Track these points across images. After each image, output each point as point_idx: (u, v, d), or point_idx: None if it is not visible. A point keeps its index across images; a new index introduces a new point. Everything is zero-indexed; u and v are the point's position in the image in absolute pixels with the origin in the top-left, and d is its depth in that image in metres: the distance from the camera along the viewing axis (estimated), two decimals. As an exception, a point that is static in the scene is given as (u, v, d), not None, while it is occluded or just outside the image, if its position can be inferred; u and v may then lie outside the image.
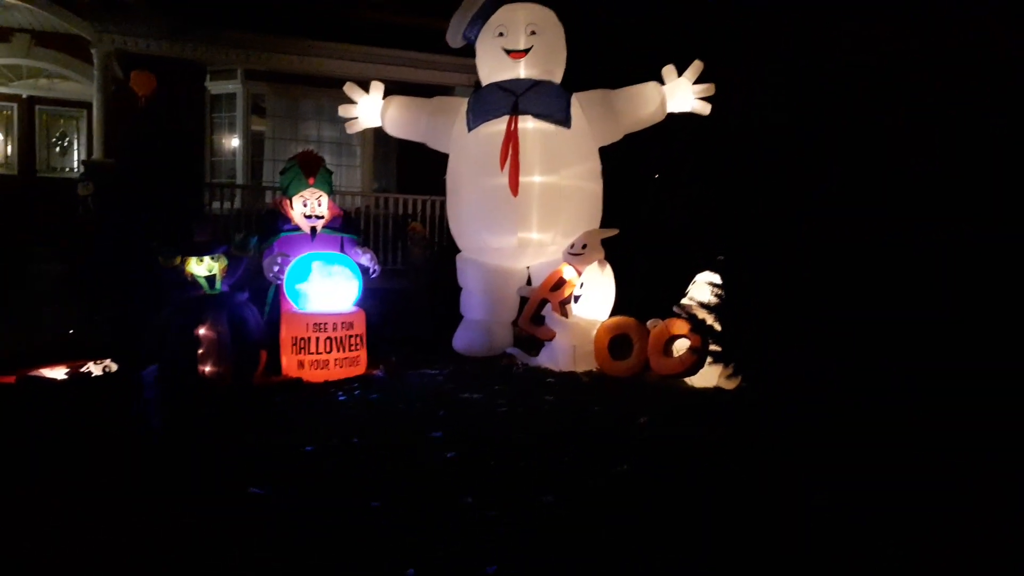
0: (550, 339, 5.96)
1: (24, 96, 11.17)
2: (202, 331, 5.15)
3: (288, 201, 6.09)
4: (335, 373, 5.58)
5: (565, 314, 5.94)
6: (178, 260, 5.29)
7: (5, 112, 11.12)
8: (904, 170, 4.24)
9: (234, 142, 11.07)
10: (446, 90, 10.48)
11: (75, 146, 11.48)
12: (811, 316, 4.25)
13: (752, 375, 4.87)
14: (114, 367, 4.85)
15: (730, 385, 5.11)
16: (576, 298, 5.88)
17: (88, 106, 10.78)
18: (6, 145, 11.13)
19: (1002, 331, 3.91)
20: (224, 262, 5.47)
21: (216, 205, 9.59)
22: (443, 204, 8.11)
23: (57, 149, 11.44)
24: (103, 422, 3.95)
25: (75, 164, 11.29)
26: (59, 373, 4.77)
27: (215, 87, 11.08)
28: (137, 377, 4.13)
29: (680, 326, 5.35)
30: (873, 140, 4.38)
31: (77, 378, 4.55)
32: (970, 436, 3.62)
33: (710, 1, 7.04)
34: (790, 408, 4.20)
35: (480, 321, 6.69)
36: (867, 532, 2.78)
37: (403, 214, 10.12)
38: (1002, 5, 4.52)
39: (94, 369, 4.83)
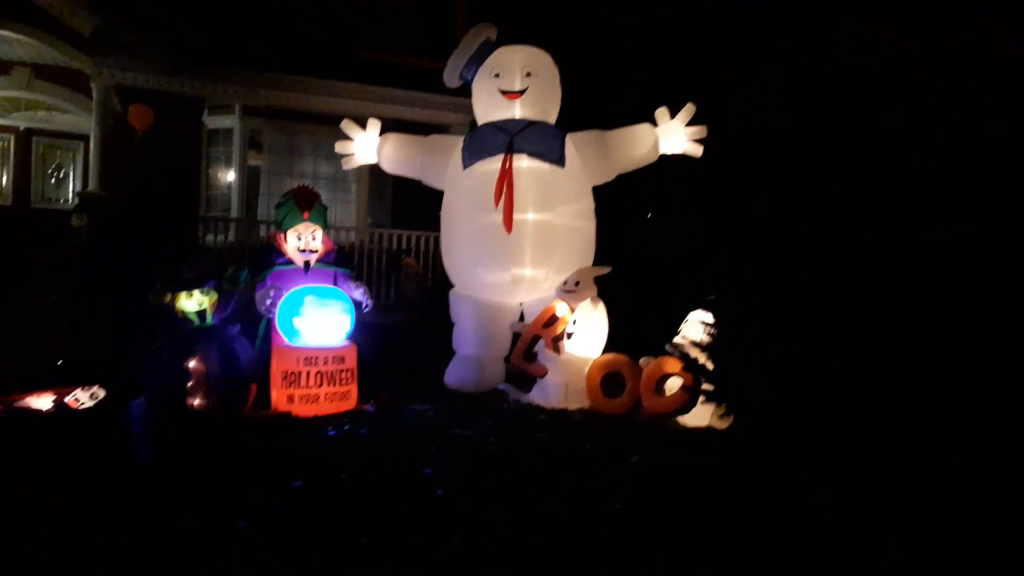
0: (542, 376, 5.95)
1: (22, 128, 11.23)
2: (192, 364, 5.11)
3: (282, 235, 6.10)
4: (325, 408, 5.53)
5: (558, 351, 5.93)
6: (168, 297, 5.27)
7: (1, 143, 11.17)
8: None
9: (230, 176, 11.13)
10: (442, 128, 10.61)
11: (71, 178, 11.52)
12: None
13: (744, 413, 4.86)
14: (102, 394, 4.79)
15: (723, 424, 5.09)
16: (569, 335, 5.88)
17: (85, 138, 10.85)
18: (1, 176, 11.15)
19: (1002, 329, 3.91)
20: (214, 296, 5.45)
21: (210, 238, 9.59)
22: (437, 239, 8.15)
23: (53, 180, 11.48)
24: (89, 453, 3.89)
25: (70, 195, 11.31)
26: (46, 402, 4.70)
27: (212, 122, 11.17)
28: (125, 408, 4.08)
29: (673, 364, 5.35)
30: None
31: (62, 408, 4.48)
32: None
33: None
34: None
35: (472, 356, 6.68)
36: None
37: (397, 249, 10.15)
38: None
39: (82, 396, 4.76)
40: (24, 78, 10.76)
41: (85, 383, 4.69)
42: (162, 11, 10.54)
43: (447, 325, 7.03)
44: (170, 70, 9.81)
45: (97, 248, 8.15)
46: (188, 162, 10.63)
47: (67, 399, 4.62)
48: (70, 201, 11.11)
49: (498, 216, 6.35)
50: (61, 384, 4.77)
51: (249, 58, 10.39)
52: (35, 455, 3.94)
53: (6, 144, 11.19)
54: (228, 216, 10.68)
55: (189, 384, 5.09)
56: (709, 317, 5.34)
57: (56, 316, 7.34)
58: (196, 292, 5.36)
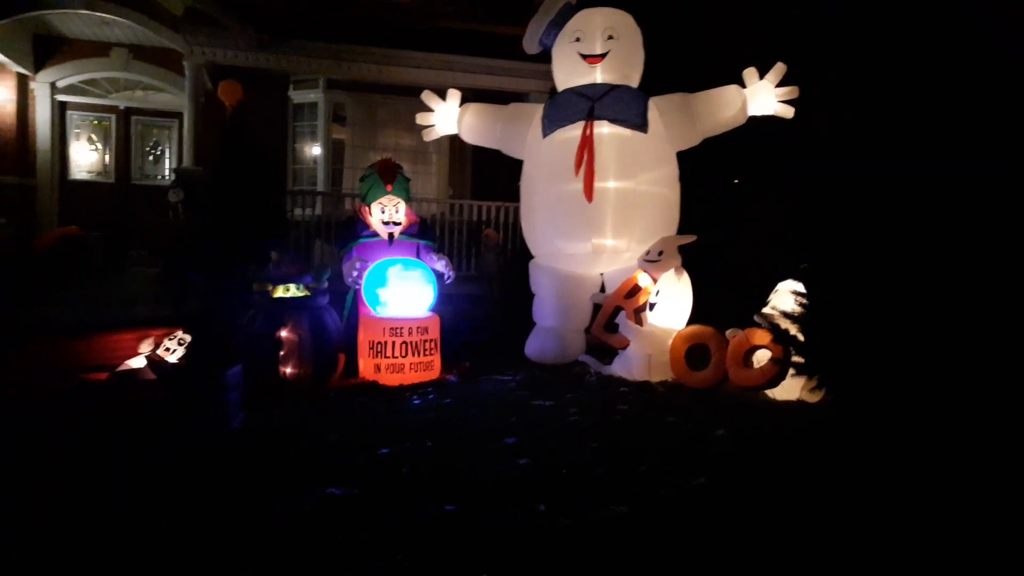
0: (624, 348, 5.87)
1: (121, 107, 11.77)
2: (283, 333, 5.28)
3: (367, 207, 6.20)
4: (410, 377, 5.64)
5: (640, 322, 5.84)
6: (268, 286, 5.45)
7: (104, 123, 11.74)
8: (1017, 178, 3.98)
9: (315, 150, 11.37)
10: (521, 97, 10.53)
11: (167, 155, 12.02)
12: (915, 286, 4.01)
13: (838, 388, 4.67)
14: (187, 338, 5.03)
15: (814, 398, 4.92)
16: (651, 306, 5.78)
17: (179, 116, 11.29)
18: (104, 154, 11.74)
19: None
20: (305, 292, 5.61)
21: (298, 212, 9.86)
22: (516, 210, 8.13)
23: (150, 158, 12.00)
24: (183, 422, 4.08)
25: (166, 172, 11.81)
26: (140, 360, 4.96)
27: (298, 96, 11.42)
28: (219, 377, 4.26)
29: (761, 336, 5.18)
30: (981, 145, 4.12)
31: (158, 368, 4.73)
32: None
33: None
34: (888, 383, 3.98)
35: (552, 328, 6.66)
36: (966, 523, 2.61)
37: (477, 220, 10.18)
38: None
39: (171, 344, 5.01)
40: (123, 59, 11.26)
41: (171, 328, 4.95)
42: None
43: (527, 296, 7.03)
44: (256, 46, 10.06)
45: (192, 222, 8.50)
46: (276, 137, 10.93)
47: (159, 350, 4.88)
48: (166, 177, 11.61)
49: (578, 184, 6.26)
50: (151, 326, 5.05)
51: (331, 31, 10.54)
52: (137, 419, 4.18)
53: (108, 124, 11.76)
54: (314, 190, 10.95)
55: (281, 353, 5.27)
56: (800, 287, 5.14)
57: (157, 286, 7.73)
58: (292, 286, 5.51)
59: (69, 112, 11.50)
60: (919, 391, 4.12)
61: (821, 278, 4.78)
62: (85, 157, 11.63)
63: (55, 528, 2.78)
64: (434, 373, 5.83)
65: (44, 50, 11.00)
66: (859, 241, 4.39)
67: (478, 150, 9.13)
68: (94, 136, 11.68)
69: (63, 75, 11.18)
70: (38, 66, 11.01)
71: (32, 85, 11.09)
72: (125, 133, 11.83)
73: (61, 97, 11.34)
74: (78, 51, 11.14)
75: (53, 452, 3.62)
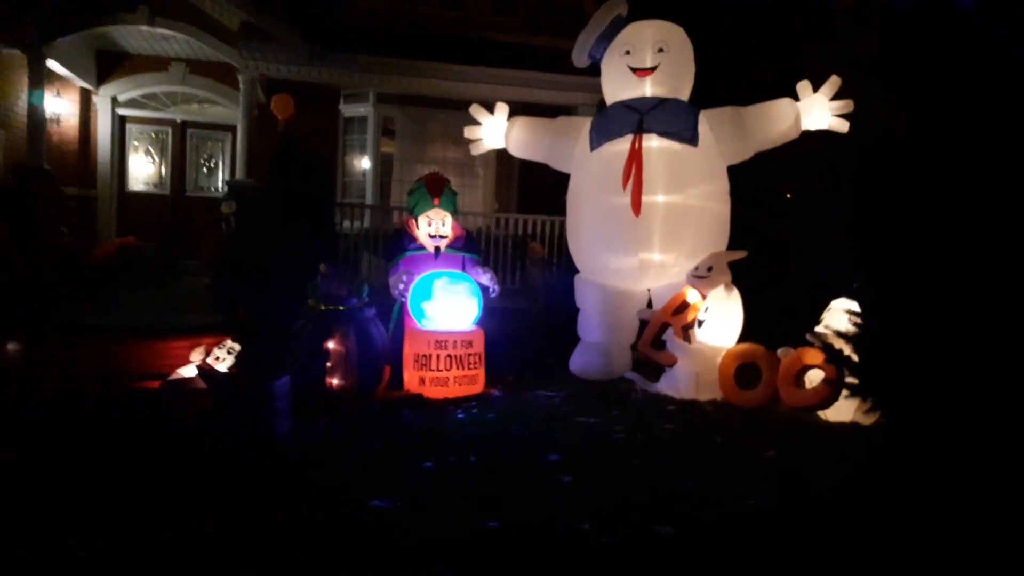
0: (671, 365, 5.77)
1: (178, 120, 12.10)
2: (331, 345, 5.33)
3: (414, 220, 6.24)
4: (454, 391, 5.63)
5: (688, 339, 5.74)
6: (320, 306, 5.52)
7: (161, 136, 12.08)
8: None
9: (365, 163, 11.51)
10: (570, 110, 10.51)
11: (220, 167, 12.30)
12: (975, 306, 3.85)
13: (892, 410, 4.51)
14: (237, 347, 5.11)
15: (868, 421, 4.76)
16: (700, 323, 5.68)
17: (233, 129, 11.55)
18: (161, 166, 12.07)
19: None
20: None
21: (347, 224, 9.97)
22: (562, 224, 8.09)
23: (204, 170, 12.29)
24: (232, 430, 4.13)
25: (220, 184, 12.09)
26: (191, 369, 5.05)
27: (348, 110, 11.59)
28: (268, 387, 4.31)
29: (813, 356, 5.04)
30: None
31: (208, 376, 4.80)
32: None
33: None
34: (946, 407, 3.83)
35: (598, 344, 6.59)
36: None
37: (523, 234, 10.17)
38: None
39: (220, 353, 5.09)
40: (180, 73, 11.59)
41: (222, 336, 5.03)
42: (301, 3, 11.03)
43: (572, 311, 6.97)
44: (309, 59, 10.24)
45: (245, 233, 8.67)
46: (326, 149, 11.10)
47: (209, 359, 4.96)
48: (220, 189, 11.87)
49: (626, 198, 6.21)
50: (203, 334, 5.15)
51: (381, 44, 10.68)
52: (187, 426, 4.25)
53: (164, 137, 12.09)
54: (363, 202, 11.07)
55: (328, 364, 5.31)
56: (854, 305, 4.98)
57: (209, 296, 7.88)
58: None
59: (128, 125, 11.86)
60: (980, 416, 3.95)
61: (877, 296, 4.63)
62: (143, 169, 11.97)
63: (104, 528, 2.82)
64: (478, 387, 5.82)
65: (106, 65, 11.39)
66: (919, 257, 4.25)
67: (524, 164, 9.12)
68: (151, 149, 12.03)
69: (124, 89, 11.55)
70: (100, 81, 11.40)
71: (94, 99, 11.47)
72: (181, 146, 12.14)
73: (121, 111, 11.71)
74: (138, 66, 11.50)
75: (105, 454, 3.70)
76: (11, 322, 4.89)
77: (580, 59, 6.91)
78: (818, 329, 5.19)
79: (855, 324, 4.83)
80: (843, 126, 6.20)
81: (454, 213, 6.32)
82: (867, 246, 4.88)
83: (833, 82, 6.20)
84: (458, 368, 5.69)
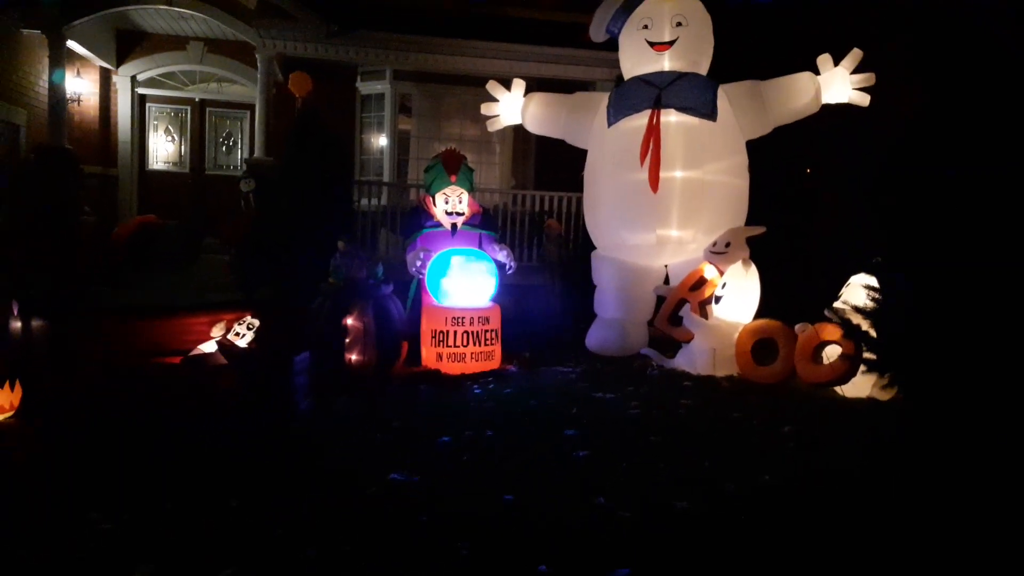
0: (688, 341, 5.78)
1: (197, 99, 12.15)
2: (349, 321, 5.38)
3: (431, 198, 6.25)
4: (471, 366, 5.67)
5: (705, 315, 5.73)
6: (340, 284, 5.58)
7: (180, 115, 12.14)
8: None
9: (382, 141, 11.51)
10: (587, 86, 10.42)
11: (239, 145, 12.36)
12: (992, 282, 3.82)
13: (911, 386, 4.49)
14: (256, 322, 5.18)
15: (885, 396, 4.75)
16: (717, 299, 5.66)
17: (251, 107, 11.58)
18: (180, 145, 12.15)
19: None
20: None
21: (364, 202, 10.00)
22: (579, 201, 8.07)
23: (223, 148, 12.36)
24: (253, 406, 4.20)
25: (238, 162, 12.15)
26: (211, 345, 5.13)
27: (365, 87, 11.58)
28: (288, 362, 4.37)
29: (831, 331, 5.02)
30: None
31: (228, 352, 4.87)
32: None
33: None
34: (963, 381, 3.82)
35: (614, 320, 6.59)
36: None
37: (539, 211, 10.14)
38: None
39: (240, 329, 5.16)
40: (198, 52, 11.62)
41: (242, 312, 5.09)
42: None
43: (589, 287, 6.98)
44: (325, 37, 10.22)
45: (264, 210, 8.73)
46: (344, 127, 11.11)
47: (229, 335, 5.03)
48: (238, 167, 11.94)
49: (644, 174, 6.17)
50: (222, 310, 5.21)
51: (398, 22, 10.63)
52: (208, 402, 4.32)
53: (184, 115, 12.16)
54: (380, 180, 11.09)
55: (347, 340, 5.36)
56: (873, 281, 4.95)
57: (229, 273, 7.96)
58: None
59: (148, 104, 11.94)
60: (998, 391, 3.93)
61: (896, 272, 4.60)
62: (162, 148, 12.06)
63: (129, 503, 2.90)
64: (495, 363, 5.86)
65: (125, 45, 11.44)
66: (940, 236, 4.21)
67: (541, 140, 9.08)
68: (171, 127, 12.10)
69: (143, 69, 11.60)
70: (120, 60, 11.46)
71: (114, 79, 11.54)
72: (200, 124, 12.20)
73: (141, 90, 11.77)
74: (157, 45, 11.54)
75: (129, 431, 3.78)
76: (37, 301, 4.97)
77: (598, 34, 6.84)
78: (836, 305, 5.18)
79: (873, 300, 4.81)
80: (864, 100, 6.11)
81: (471, 190, 6.32)
82: (889, 226, 4.84)
83: (855, 55, 6.10)
84: (475, 344, 5.73)
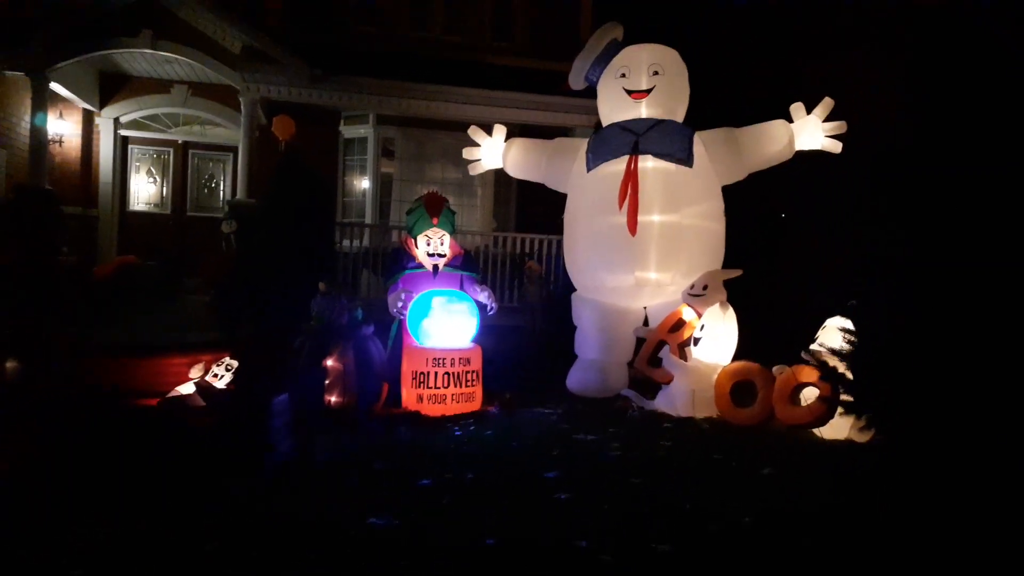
0: (667, 382, 5.81)
1: (180, 141, 12.20)
2: (330, 362, 5.36)
3: (413, 240, 6.30)
4: (452, 408, 5.66)
5: (684, 357, 5.78)
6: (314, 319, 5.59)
7: (163, 156, 12.18)
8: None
9: (364, 183, 11.61)
10: (566, 132, 10.61)
11: (221, 187, 12.39)
12: (970, 323, 3.88)
13: (888, 427, 4.54)
14: (235, 364, 5.14)
15: (863, 438, 4.79)
16: (696, 340, 5.72)
17: (234, 150, 11.65)
18: (162, 187, 12.17)
19: None
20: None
21: (346, 243, 10.04)
22: (559, 243, 8.15)
23: (205, 190, 12.38)
24: (231, 447, 4.16)
25: (221, 203, 12.16)
26: (189, 386, 5.08)
27: (348, 131, 11.71)
28: (267, 404, 4.34)
29: (809, 373, 5.08)
30: None
31: (206, 394, 4.84)
32: None
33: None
34: (940, 423, 3.86)
35: (595, 361, 6.62)
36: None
37: (520, 253, 10.24)
38: None
39: (219, 371, 5.12)
40: (182, 95, 11.71)
41: (220, 353, 5.06)
42: (302, 27, 11.18)
43: (570, 329, 7.02)
44: (309, 82, 10.36)
45: (244, 253, 8.72)
46: (327, 170, 11.19)
47: (207, 377, 4.99)
48: (221, 209, 11.95)
49: (622, 218, 6.27)
50: (201, 351, 5.18)
51: (381, 67, 10.81)
52: (186, 444, 4.26)
53: (166, 157, 12.19)
54: (363, 222, 11.15)
55: (327, 381, 5.34)
56: (849, 323, 5.04)
57: (210, 314, 7.91)
58: None
59: (131, 146, 11.96)
60: (975, 432, 3.98)
61: (872, 313, 4.68)
62: (144, 189, 12.06)
63: (103, 548, 2.85)
64: (476, 404, 5.84)
65: (109, 87, 11.50)
66: (913, 273, 4.29)
67: (522, 183, 9.21)
68: (153, 169, 12.12)
69: (126, 111, 11.66)
70: (103, 102, 11.51)
71: (97, 120, 11.58)
72: (182, 166, 12.24)
73: (124, 131, 11.81)
74: (141, 88, 11.62)
75: (102, 470, 3.71)
76: (14, 338, 4.92)
77: (577, 82, 7.01)
78: (813, 347, 5.25)
79: (849, 342, 4.88)
80: (836, 147, 6.29)
81: (452, 232, 6.38)
82: (865, 265, 4.93)
83: (826, 103, 6.30)
84: (456, 385, 5.73)
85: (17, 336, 5.33)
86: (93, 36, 9.83)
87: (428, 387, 5.68)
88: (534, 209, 11.01)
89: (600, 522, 3.29)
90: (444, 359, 5.72)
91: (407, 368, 5.80)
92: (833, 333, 5.19)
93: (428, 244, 6.22)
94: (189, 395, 5.09)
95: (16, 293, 6.48)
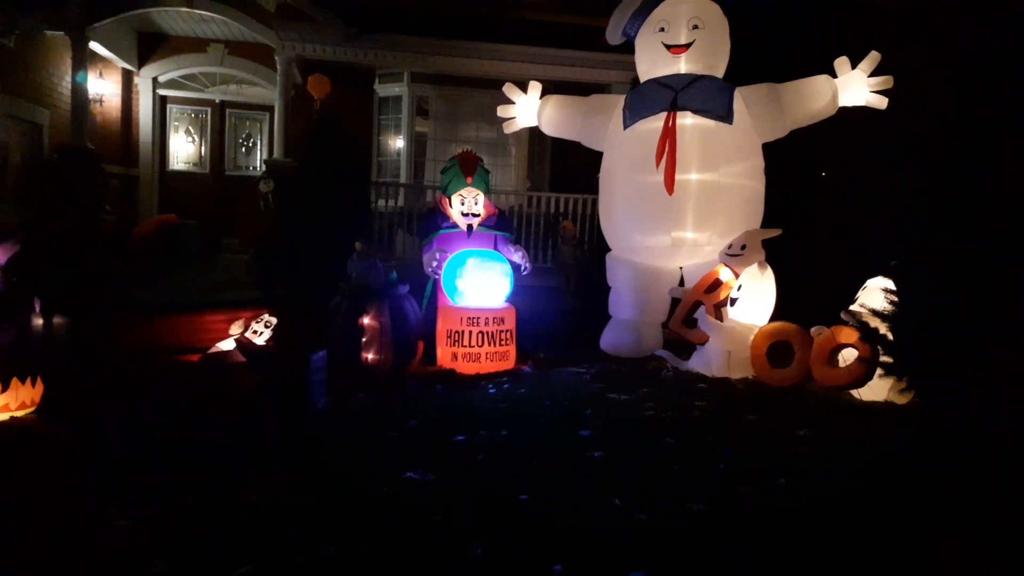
0: (703, 343, 5.77)
1: (217, 101, 12.28)
2: (366, 320, 5.43)
3: (447, 199, 6.29)
4: (486, 366, 5.70)
5: (720, 317, 5.72)
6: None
7: (200, 116, 12.28)
8: None
9: (399, 143, 11.58)
10: (603, 88, 10.43)
11: (259, 146, 12.48)
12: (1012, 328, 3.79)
13: (929, 391, 4.45)
14: (273, 320, 5.23)
15: (903, 400, 4.72)
16: (732, 301, 5.65)
17: (270, 109, 11.70)
18: (200, 146, 12.29)
19: None
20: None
21: (381, 203, 10.08)
22: (595, 202, 8.08)
23: (243, 149, 12.48)
24: (270, 402, 4.25)
25: (258, 163, 12.26)
26: (230, 343, 5.18)
27: (383, 90, 11.65)
28: (306, 360, 4.41)
29: (848, 334, 4.99)
30: None
31: (250, 355, 4.93)
32: None
33: None
34: (984, 386, 3.77)
35: (629, 321, 6.60)
36: None
37: (555, 212, 10.17)
38: None
39: (258, 327, 5.21)
40: (219, 55, 11.75)
41: (260, 310, 5.15)
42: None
43: (604, 289, 6.98)
44: (344, 40, 10.30)
45: (283, 211, 8.81)
46: (361, 129, 11.19)
47: (247, 333, 5.09)
48: (258, 168, 12.05)
49: (659, 177, 6.17)
50: (241, 308, 5.27)
51: (416, 24, 10.70)
52: (226, 399, 4.37)
53: (204, 117, 12.29)
54: (397, 181, 11.16)
55: (363, 339, 5.41)
56: (890, 283, 4.92)
57: (248, 272, 8.04)
58: None
59: (169, 105, 12.09)
60: (1020, 396, 3.89)
61: (915, 274, 4.56)
62: (183, 148, 12.20)
63: (147, 499, 2.94)
64: (509, 363, 5.88)
65: (147, 47, 11.60)
66: (961, 234, 4.16)
67: (557, 142, 9.10)
68: (191, 128, 12.24)
69: (164, 70, 11.75)
70: (141, 62, 11.61)
71: (136, 80, 11.70)
72: (220, 125, 12.34)
73: (162, 91, 11.92)
74: (178, 47, 11.69)
75: (148, 428, 3.83)
76: (58, 298, 5.06)
77: (614, 36, 6.85)
78: (853, 308, 5.15)
79: (891, 303, 4.77)
80: (881, 102, 6.09)
81: (486, 192, 6.35)
82: (908, 224, 4.80)
83: (872, 57, 6.08)
84: (490, 344, 5.76)
85: (64, 295, 5.47)
86: (131, -6, 9.89)
87: (463, 346, 5.72)
88: (569, 168, 10.89)
89: (633, 480, 3.30)
90: (478, 318, 5.74)
91: (442, 327, 5.84)
92: (875, 293, 5.08)
93: (462, 204, 6.21)
94: (229, 351, 5.19)
95: (64, 254, 6.66)
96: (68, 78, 10.07)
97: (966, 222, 4.28)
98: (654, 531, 2.76)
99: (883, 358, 4.74)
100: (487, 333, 5.76)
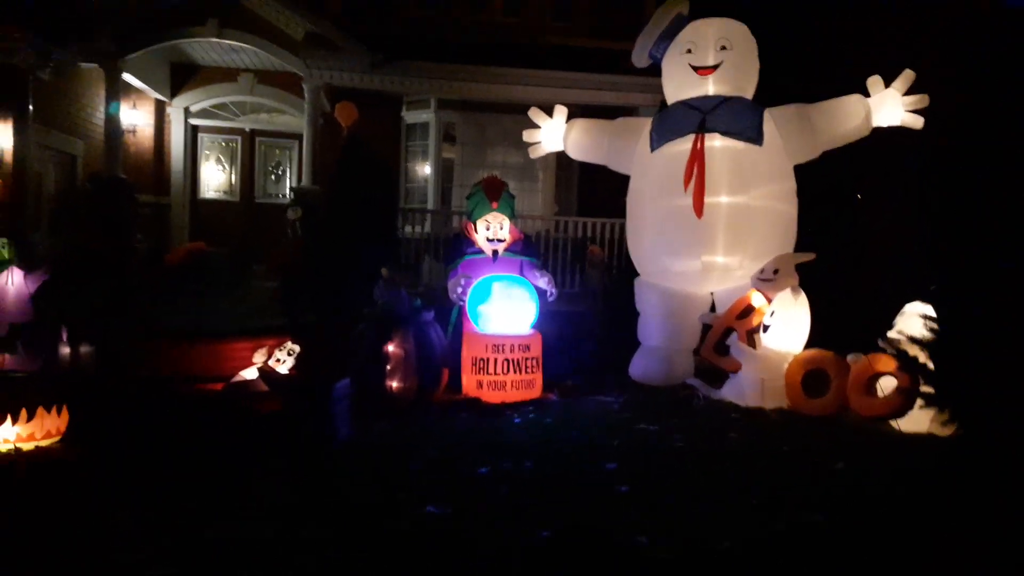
0: (735, 371, 5.61)
1: (247, 130, 12.48)
2: (390, 347, 5.37)
3: (472, 224, 6.25)
4: (511, 395, 5.60)
5: (753, 345, 5.57)
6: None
7: (231, 144, 12.48)
8: None
9: (426, 169, 11.64)
10: (629, 111, 10.38)
11: (287, 174, 12.63)
12: None
13: (971, 422, 4.26)
14: (297, 348, 5.19)
15: (945, 432, 4.52)
16: (765, 327, 5.50)
17: (299, 137, 11.84)
18: (231, 174, 12.47)
19: None
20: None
21: (408, 229, 10.09)
22: (623, 227, 7.97)
23: (272, 177, 12.64)
24: (293, 432, 4.19)
25: (287, 191, 12.40)
26: (253, 371, 5.15)
27: (410, 116, 11.74)
28: (329, 389, 4.36)
29: (886, 362, 4.81)
30: None
31: (273, 384, 4.90)
32: None
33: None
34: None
35: (658, 348, 6.46)
36: None
37: (582, 237, 10.09)
38: None
39: (281, 355, 5.17)
40: (249, 83, 11.96)
41: (283, 338, 5.11)
42: (362, 14, 11.23)
43: (632, 315, 6.86)
44: (371, 68, 10.41)
45: (311, 239, 8.84)
46: (389, 156, 11.26)
47: (270, 361, 5.06)
48: (287, 196, 12.17)
49: (688, 200, 6.06)
50: (264, 336, 5.24)
51: (442, 51, 10.78)
52: (249, 428, 4.33)
53: (235, 145, 12.48)
54: (424, 207, 11.19)
55: (388, 367, 5.35)
56: (930, 310, 4.75)
57: (276, 300, 8.04)
58: None
59: (200, 134, 12.30)
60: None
61: (956, 299, 4.39)
62: (214, 177, 12.39)
63: (163, 530, 2.88)
64: (535, 391, 5.77)
65: (179, 77, 11.85)
66: (1006, 258, 4.01)
67: (584, 166, 9.06)
68: (222, 157, 12.43)
69: (196, 100, 11.99)
70: (174, 92, 11.86)
71: (168, 110, 11.94)
72: (250, 154, 12.52)
73: (194, 121, 12.15)
74: (210, 77, 11.92)
75: (171, 455, 3.79)
76: (86, 327, 5.09)
77: (640, 59, 6.79)
78: (891, 334, 4.97)
79: (931, 330, 4.60)
80: (917, 122, 5.93)
81: (512, 217, 6.30)
82: (948, 247, 4.64)
83: (907, 76, 5.94)
84: (515, 372, 5.67)
85: (92, 322, 5.51)
86: (161, 26, 10.13)
87: (488, 373, 5.63)
88: (596, 192, 10.84)
89: (661, 517, 3.17)
90: (504, 345, 5.66)
91: (467, 354, 5.77)
92: (913, 319, 4.91)
93: (488, 229, 6.16)
94: (252, 380, 5.17)
95: (97, 279, 6.72)
96: (101, 109, 10.30)
97: (1013, 245, 4.12)
98: (682, 570, 2.64)
99: (923, 388, 4.57)
100: (513, 360, 5.67)
